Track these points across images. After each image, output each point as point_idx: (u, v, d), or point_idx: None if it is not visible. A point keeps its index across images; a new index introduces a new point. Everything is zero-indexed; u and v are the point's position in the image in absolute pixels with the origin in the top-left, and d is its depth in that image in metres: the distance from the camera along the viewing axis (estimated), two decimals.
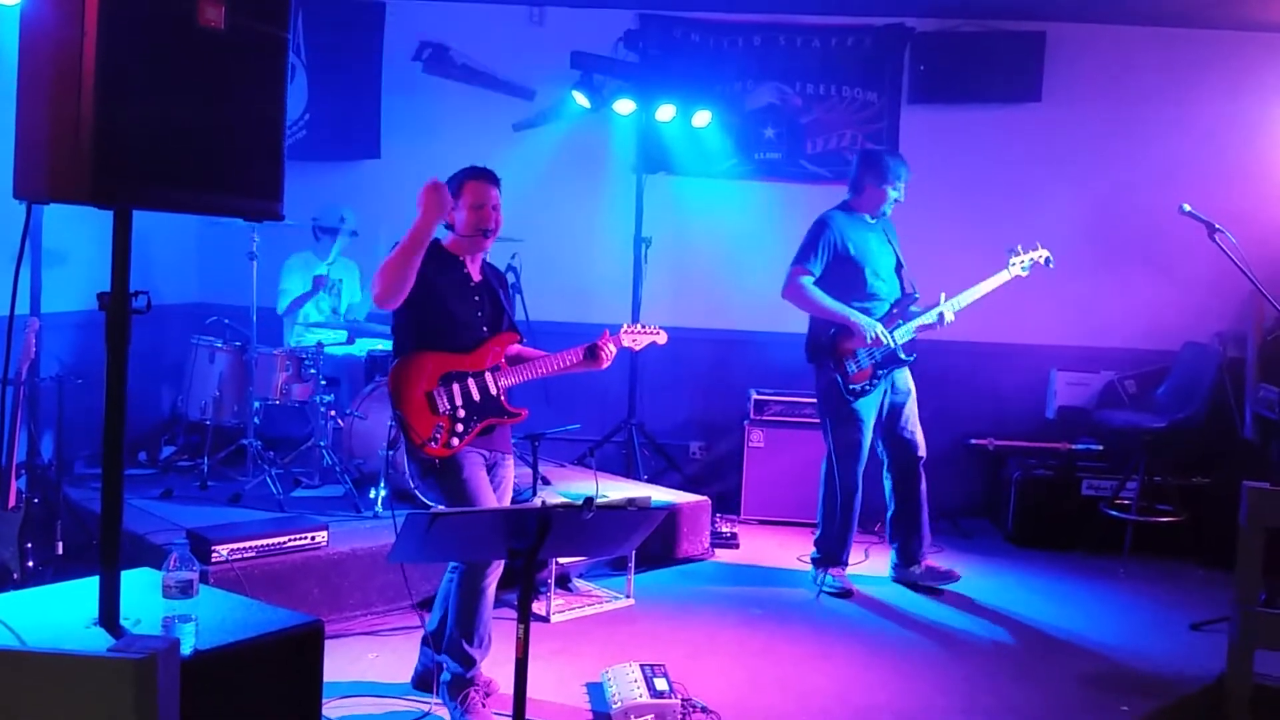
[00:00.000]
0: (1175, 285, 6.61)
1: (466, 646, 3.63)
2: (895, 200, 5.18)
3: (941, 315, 5.13)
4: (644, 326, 4.08)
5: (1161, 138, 6.73)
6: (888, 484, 5.33)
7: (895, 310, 5.16)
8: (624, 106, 6.69)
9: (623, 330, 4.01)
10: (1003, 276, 5.21)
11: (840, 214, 5.21)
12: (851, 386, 5.08)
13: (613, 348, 3.87)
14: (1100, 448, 6.47)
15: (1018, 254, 5.24)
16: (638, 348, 4.09)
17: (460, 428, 3.65)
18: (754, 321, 6.95)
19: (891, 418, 5.23)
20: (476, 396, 3.68)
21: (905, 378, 5.26)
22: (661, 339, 4.12)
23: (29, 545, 4.25)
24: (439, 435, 3.62)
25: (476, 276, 3.82)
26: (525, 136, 7.11)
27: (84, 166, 2.17)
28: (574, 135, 7.03)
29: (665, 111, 6.65)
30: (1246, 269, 4.76)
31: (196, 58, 2.35)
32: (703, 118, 6.73)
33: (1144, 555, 5.80)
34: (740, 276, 6.94)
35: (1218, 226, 4.78)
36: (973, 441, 6.77)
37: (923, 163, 6.95)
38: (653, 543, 5.52)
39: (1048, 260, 5.32)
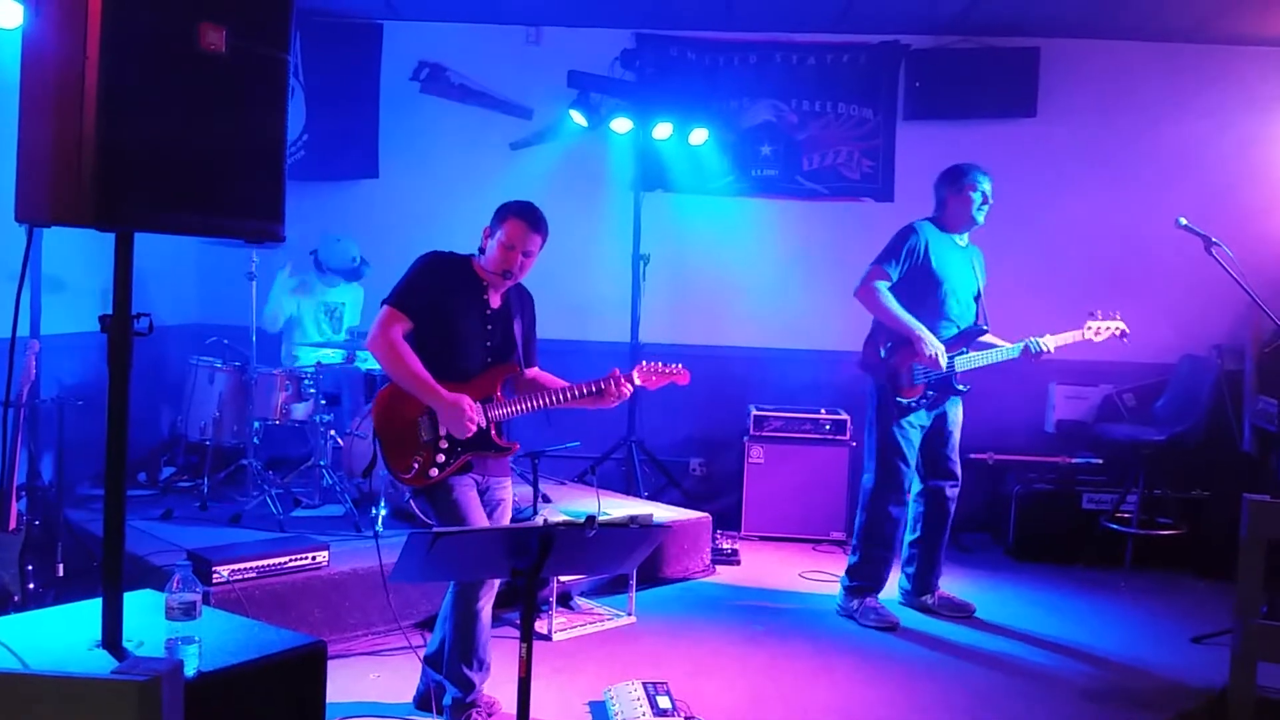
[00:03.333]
0: (1172, 298, 6.63)
1: (466, 670, 3.61)
2: (984, 205, 4.97)
3: (1029, 347, 4.90)
4: (662, 365, 3.79)
5: (1157, 151, 6.77)
6: (915, 509, 5.14)
7: (962, 337, 4.97)
8: (621, 125, 6.72)
9: (637, 369, 3.76)
10: (1074, 336, 5.01)
11: (931, 225, 5.00)
12: (900, 400, 4.89)
13: (628, 387, 3.68)
14: (1100, 461, 6.48)
15: (1096, 319, 5.02)
16: (653, 387, 3.80)
17: (441, 458, 3.58)
18: (753, 337, 6.97)
19: (938, 443, 5.04)
20: None
21: (957, 409, 5.06)
22: (683, 379, 3.80)
23: (30, 567, 4.24)
24: (416, 466, 3.56)
25: (495, 304, 3.73)
26: (523, 155, 7.14)
27: (85, 189, 2.18)
28: (571, 154, 7.06)
29: (662, 129, 6.69)
30: (1243, 282, 4.77)
31: (197, 80, 2.36)
32: (699, 135, 6.76)
33: (1144, 568, 5.80)
34: (739, 292, 6.97)
35: (1214, 240, 4.80)
36: (972, 456, 6.76)
37: (918, 179, 6.98)
38: (654, 560, 5.52)
39: (1123, 334, 5.04)
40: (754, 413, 6.54)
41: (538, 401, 3.70)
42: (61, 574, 4.43)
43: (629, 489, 6.60)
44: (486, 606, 3.62)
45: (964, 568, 6.03)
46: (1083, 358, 6.85)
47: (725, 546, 5.97)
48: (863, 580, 5.05)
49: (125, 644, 2.48)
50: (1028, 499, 6.25)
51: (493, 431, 3.67)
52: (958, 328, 4.97)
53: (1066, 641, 4.85)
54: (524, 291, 3.92)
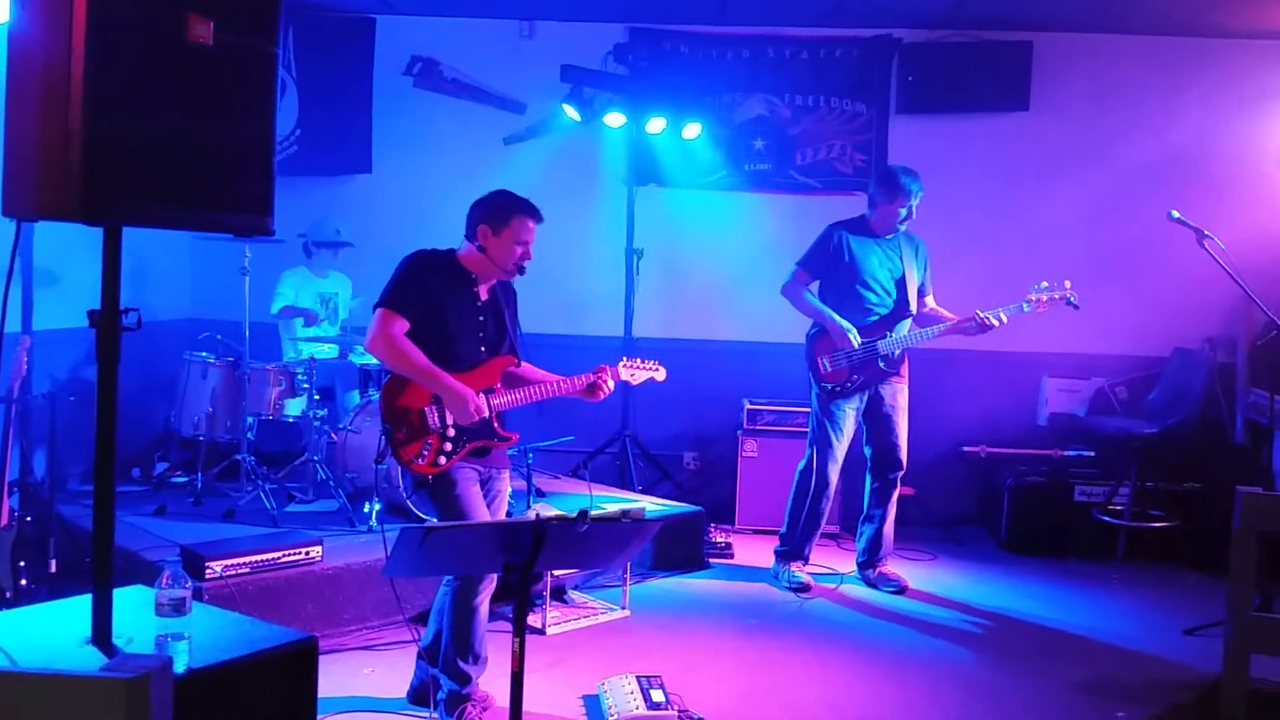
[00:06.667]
0: (1164, 291, 6.64)
1: (461, 664, 3.62)
2: (906, 218, 5.27)
3: (977, 319, 5.10)
4: (643, 362, 4.09)
5: (1149, 145, 6.76)
6: (867, 486, 5.50)
7: (884, 321, 5.24)
8: (614, 119, 6.71)
9: (621, 364, 4.02)
10: (1016, 307, 5.14)
11: (847, 225, 5.37)
12: (824, 384, 5.28)
13: (611, 383, 3.90)
14: (1092, 454, 6.49)
15: (1040, 289, 5.15)
16: (635, 382, 4.08)
17: (449, 446, 3.64)
18: (746, 332, 6.97)
19: (877, 428, 5.37)
20: None
21: (894, 391, 5.35)
22: (660, 375, 4.12)
23: (22, 563, 4.23)
24: (426, 453, 3.62)
25: (484, 296, 3.80)
26: (516, 150, 7.13)
27: (72, 184, 2.17)
28: (565, 148, 7.05)
29: (655, 124, 6.67)
30: (1235, 275, 4.78)
31: (185, 74, 2.35)
32: (692, 130, 6.75)
33: (1137, 561, 5.81)
34: (732, 287, 6.96)
35: (1206, 233, 4.80)
36: (965, 449, 6.78)
37: None
38: (648, 554, 5.53)
39: (1069, 301, 5.14)
40: (747, 407, 6.55)
41: (535, 392, 3.84)
42: (54, 570, 4.43)
43: (622, 483, 6.60)
44: (484, 601, 3.64)
45: (956, 560, 6.04)
46: (1074, 351, 6.88)
47: (719, 540, 5.98)
48: (788, 546, 5.50)
49: (115, 640, 2.47)
50: (1020, 492, 6.26)
51: (494, 421, 3.74)
52: (878, 315, 5.28)
53: (1059, 634, 4.86)
54: (508, 285, 3.97)
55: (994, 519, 6.46)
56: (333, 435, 5.61)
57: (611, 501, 5.76)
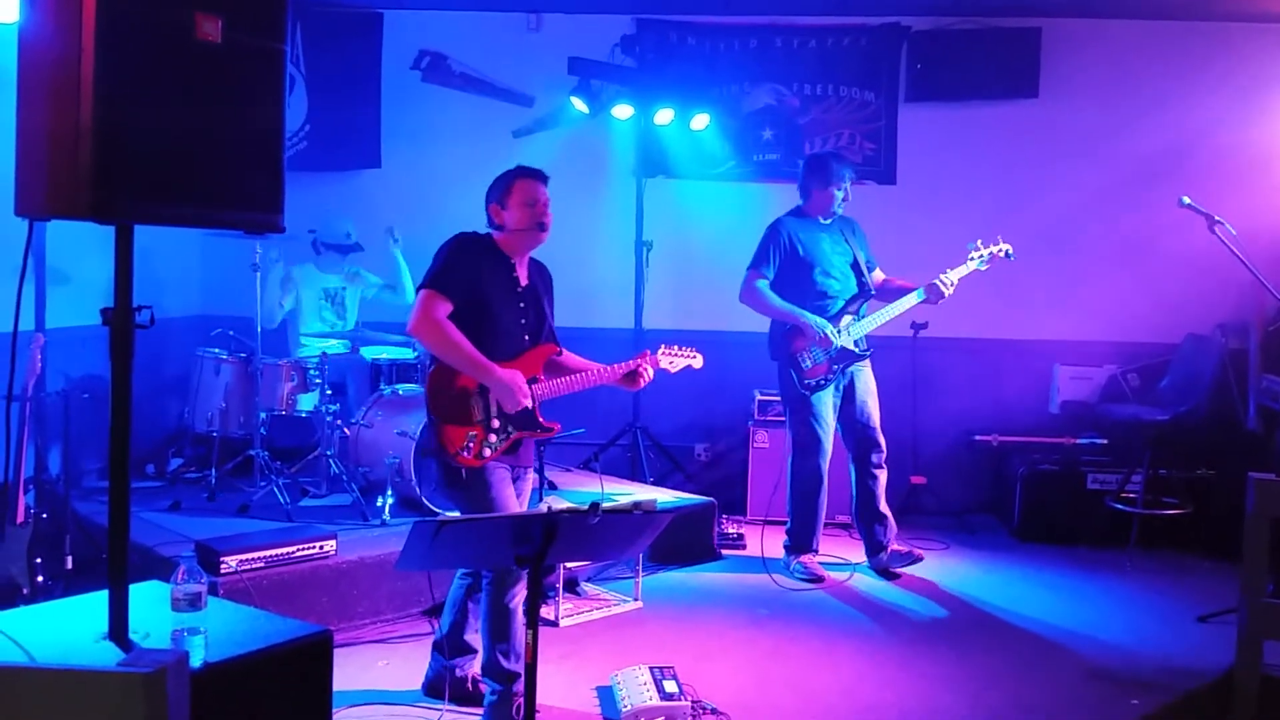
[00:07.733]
0: (1175, 278, 6.60)
1: (504, 663, 3.56)
2: (843, 200, 5.32)
3: (934, 287, 5.16)
4: (680, 349, 4.05)
5: (1159, 130, 6.72)
6: (853, 478, 5.48)
7: (848, 307, 5.30)
8: (622, 111, 6.71)
9: (660, 351, 3.99)
10: (965, 268, 5.26)
11: (790, 218, 5.41)
12: (806, 381, 5.27)
13: (651, 371, 3.87)
14: (1104, 441, 6.47)
15: (978, 247, 5.30)
16: (674, 370, 4.04)
17: (494, 438, 3.59)
18: (756, 323, 6.91)
19: (854, 414, 5.38)
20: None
21: (866, 376, 5.39)
22: (698, 362, 4.08)
23: (38, 560, 4.26)
24: (471, 445, 3.55)
25: (524, 280, 3.75)
26: (525, 143, 7.13)
27: (83, 182, 2.19)
28: (573, 141, 7.04)
29: (663, 115, 6.67)
30: (1247, 260, 4.76)
31: (194, 72, 2.36)
32: (701, 121, 6.74)
33: (1150, 548, 5.79)
34: (741, 278, 6.94)
35: (1217, 218, 4.78)
36: (977, 438, 6.77)
37: (921, 160, 6.99)
38: (660, 545, 5.54)
39: (1007, 254, 5.32)
40: (758, 397, 6.55)
41: (577, 381, 3.79)
42: (70, 566, 4.45)
43: (634, 475, 6.61)
44: (519, 600, 3.56)
45: (969, 549, 6.03)
46: (1086, 338, 6.86)
47: (730, 531, 5.98)
48: (795, 540, 5.49)
49: (131, 636, 2.49)
50: (1032, 480, 6.24)
51: (537, 412, 3.69)
52: (842, 301, 5.33)
53: (1071, 622, 4.86)
54: (544, 269, 3.93)
55: (1006, 508, 6.45)
56: (345, 430, 5.63)
57: (623, 494, 5.78)
